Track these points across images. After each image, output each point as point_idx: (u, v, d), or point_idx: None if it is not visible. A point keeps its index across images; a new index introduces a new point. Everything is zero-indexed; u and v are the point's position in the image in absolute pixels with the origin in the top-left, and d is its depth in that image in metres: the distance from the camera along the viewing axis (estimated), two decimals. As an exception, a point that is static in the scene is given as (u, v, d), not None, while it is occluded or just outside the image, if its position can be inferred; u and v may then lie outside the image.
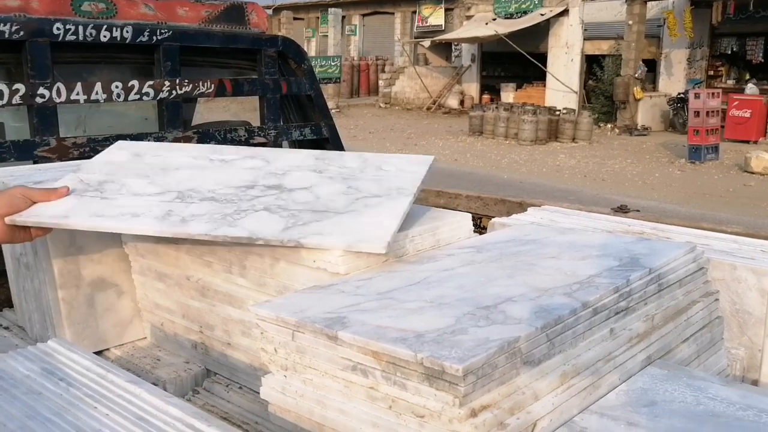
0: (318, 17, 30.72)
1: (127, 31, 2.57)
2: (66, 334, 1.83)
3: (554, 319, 1.14)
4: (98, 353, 1.81)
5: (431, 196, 3.00)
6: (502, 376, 1.05)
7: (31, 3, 2.41)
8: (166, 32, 2.66)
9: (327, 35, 28.58)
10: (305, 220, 1.50)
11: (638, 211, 2.66)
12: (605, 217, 2.43)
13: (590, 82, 21.01)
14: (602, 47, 20.70)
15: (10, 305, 2.21)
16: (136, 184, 1.70)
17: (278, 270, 1.51)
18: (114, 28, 2.55)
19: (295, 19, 29.45)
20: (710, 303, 1.66)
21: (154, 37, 2.64)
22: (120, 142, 1.96)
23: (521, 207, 2.71)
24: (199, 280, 1.72)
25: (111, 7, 2.58)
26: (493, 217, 2.86)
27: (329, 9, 29.40)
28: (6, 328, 2.06)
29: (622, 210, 2.61)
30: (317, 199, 1.61)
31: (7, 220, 1.49)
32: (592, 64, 20.89)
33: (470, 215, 1.77)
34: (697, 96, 14.33)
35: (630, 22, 18.12)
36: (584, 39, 21.00)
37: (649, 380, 1.29)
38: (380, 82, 26.29)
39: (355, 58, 28.76)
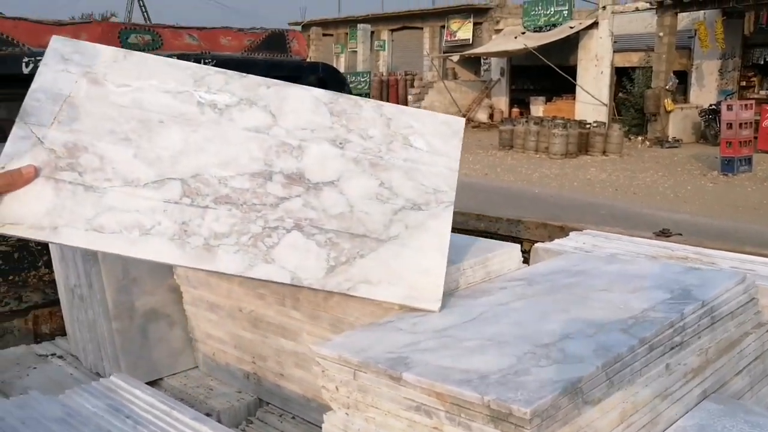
0: (347, 33, 30.96)
1: (172, 62, 2.63)
2: (120, 365, 1.87)
3: (613, 357, 1.14)
4: (151, 383, 1.85)
5: (471, 220, 3.01)
6: (565, 417, 1.05)
7: (80, 37, 2.47)
8: (210, 62, 2.72)
9: (356, 51, 28.83)
10: (347, 254, 1.40)
11: (680, 234, 2.63)
12: (647, 242, 2.41)
13: (620, 94, 20.83)
14: (632, 59, 20.54)
15: (63, 333, 2.27)
16: (120, 159, 1.37)
17: (332, 303, 1.53)
18: (161, 60, 2.60)
19: (324, 35, 29.74)
20: (762, 334, 1.64)
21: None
22: (57, 40, 1.47)
23: (563, 231, 2.70)
24: (252, 311, 1.75)
25: (157, 38, 2.65)
26: (535, 240, 2.86)
27: (358, 25, 29.67)
28: (60, 357, 2.11)
29: (664, 234, 2.59)
30: (350, 210, 1.44)
31: None
32: (622, 76, 20.72)
33: (519, 246, 1.77)
34: (729, 107, 14.13)
35: (661, 34, 17.97)
36: (614, 51, 20.86)
37: (707, 416, 1.28)
38: (409, 97, 26.35)
39: (384, 74, 28.88)
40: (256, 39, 2.90)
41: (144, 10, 39.64)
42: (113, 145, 1.38)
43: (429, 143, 1.54)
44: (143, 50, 2.62)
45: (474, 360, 1.13)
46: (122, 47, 2.58)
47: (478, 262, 1.63)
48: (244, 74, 1.51)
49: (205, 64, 2.72)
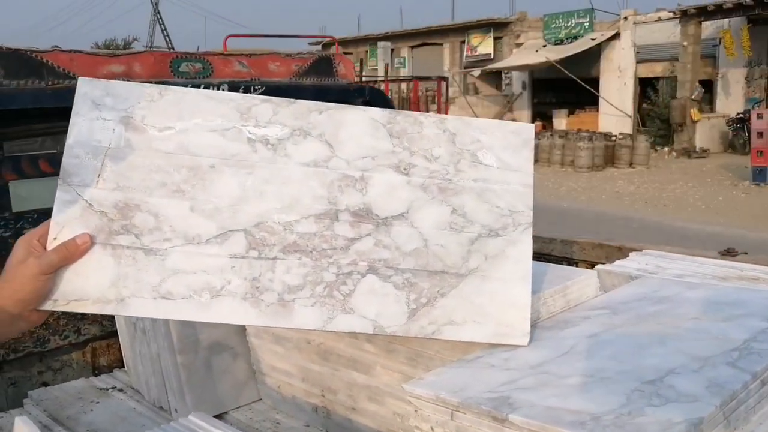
0: (367, 51, 31.12)
1: (223, 89, 2.63)
2: (185, 399, 1.84)
3: (729, 395, 1.09)
4: (216, 417, 1.81)
5: (523, 241, 2.95)
6: (684, 460, 1.00)
7: (134, 68, 2.48)
8: (260, 88, 2.71)
9: (376, 69, 28.93)
10: (427, 294, 1.32)
11: (746, 253, 2.56)
12: (713, 261, 2.34)
13: (644, 105, 20.69)
14: (656, 70, 20.41)
15: (121, 366, 2.24)
16: (177, 215, 1.27)
17: (409, 336, 1.48)
18: (211, 87, 2.60)
19: (344, 53, 29.90)
20: None
21: (249, 94, 2.69)
22: (85, 83, 1.33)
23: (620, 251, 2.64)
24: (321, 344, 1.71)
25: (207, 66, 2.64)
26: (591, 262, 2.80)
27: (378, 42, 29.82)
28: (120, 390, 2.08)
29: (729, 253, 2.51)
30: (425, 245, 1.35)
31: (40, 309, 1.18)
32: (645, 87, 20.59)
33: (595, 273, 1.72)
34: (759, 116, 13.94)
35: (685, 43, 17.87)
36: (637, 62, 20.75)
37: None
38: (431, 114, 26.36)
39: (405, 91, 28.96)
40: (304, 64, 2.89)
41: (165, 33, 40.23)
42: (167, 200, 1.28)
43: (499, 158, 1.43)
44: (194, 78, 2.62)
45: (581, 399, 1.08)
46: (173, 76, 2.58)
47: (558, 291, 1.58)
48: (292, 100, 1.39)
49: (254, 91, 2.71)
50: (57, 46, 2.39)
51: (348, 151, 1.37)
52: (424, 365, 1.50)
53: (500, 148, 1.43)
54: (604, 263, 2.44)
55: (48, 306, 1.18)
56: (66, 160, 1.26)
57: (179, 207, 1.27)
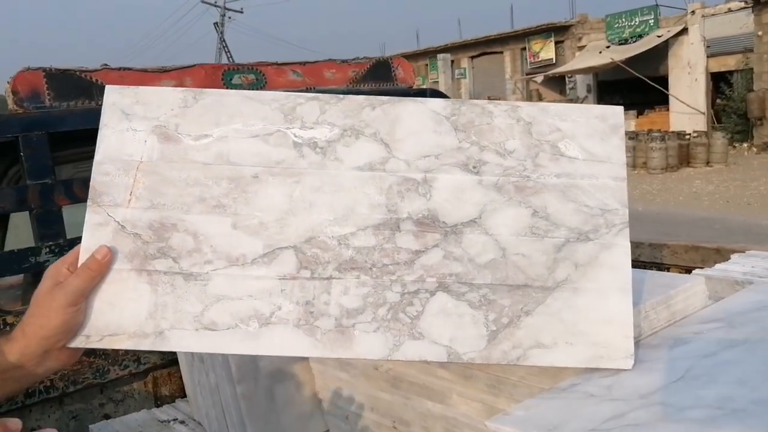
0: (427, 64, 31.06)
1: (277, 101, 2.51)
2: (247, 431, 1.70)
3: None
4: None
5: (605, 247, 2.71)
6: None
7: (185, 82, 2.39)
8: (315, 97, 2.58)
9: (437, 81, 28.83)
10: (508, 313, 1.13)
11: None
12: (829, 261, 2.07)
13: (719, 101, 19.82)
14: (729, 63, 19.54)
15: (183, 395, 2.13)
16: (218, 233, 1.12)
17: (491, 361, 1.30)
18: (265, 99, 2.49)
19: (403, 68, 29.90)
20: None
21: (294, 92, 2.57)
22: (112, 91, 1.19)
23: (719, 254, 2.38)
24: (390, 370, 1.54)
25: (260, 77, 2.53)
26: (684, 267, 2.54)
27: (438, 55, 29.73)
28: (182, 422, 1.97)
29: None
30: (503, 255, 1.15)
31: (71, 347, 1.05)
32: (718, 81, 19.73)
33: (702, 279, 1.49)
34: None
35: (759, 33, 17.05)
36: (708, 56, 19.92)
37: None
38: (493, 122, 26.04)
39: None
40: (361, 69, 2.75)
41: (231, 59, 41.24)
42: (206, 216, 1.13)
43: (584, 148, 1.22)
44: (248, 89, 2.51)
45: (712, 438, 0.88)
46: (225, 88, 2.48)
47: (660, 302, 1.36)
48: (341, 96, 1.23)
49: (310, 100, 2.59)
50: (106, 65, 2.32)
51: (407, 150, 1.19)
52: (507, 393, 1.31)
53: (584, 136, 1.22)
54: (700, 267, 2.19)
55: (80, 343, 1.05)
56: (95, 178, 1.12)
57: (220, 224, 1.12)
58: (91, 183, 1.12)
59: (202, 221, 1.12)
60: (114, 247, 1.08)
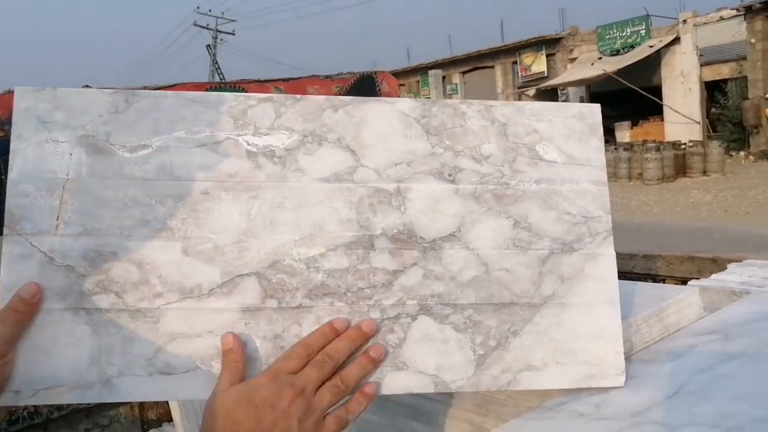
0: (418, 81, 31.16)
1: (260, 118, 2.47)
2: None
3: None
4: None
5: (600, 258, 2.66)
6: None
7: (165, 101, 2.35)
8: (299, 114, 2.54)
9: (429, 97, 28.90)
10: (495, 334, 1.04)
11: None
12: (828, 268, 2.01)
13: (714, 109, 19.86)
14: (722, 71, 19.60)
15: (170, 419, 2.08)
16: (167, 261, 0.96)
17: (477, 380, 1.24)
18: (248, 116, 2.45)
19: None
20: None
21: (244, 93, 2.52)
22: (24, 94, 0.98)
23: (715, 263, 2.34)
24: (376, 391, 1.48)
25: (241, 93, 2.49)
26: (679, 278, 2.49)
27: (429, 71, 29.84)
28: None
29: None
30: (486, 270, 1.06)
31: None
32: (713, 90, 19.78)
33: (696, 290, 1.44)
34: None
35: (752, 40, 17.11)
36: (701, 65, 19.98)
37: None
38: (488, 137, 26.08)
39: (461, 116, 28.77)
40: (345, 84, 2.71)
41: (222, 78, 41.43)
42: (151, 241, 0.95)
43: (563, 151, 1.13)
44: (229, 108, 2.47)
45: (708, 460, 0.82)
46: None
47: (652, 314, 1.30)
48: (298, 96, 1.07)
49: (293, 116, 2.54)
50: (87, 86, 2.28)
51: (377, 158, 1.07)
52: (494, 413, 1.25)
53: (562, 137, 1.14)
54: (697, 278, 2.14)
55: (8, 401, 0.89)
56: (11, 201, 0.94)
57: (169, 250, 0.97)
58: (7, 206, 0.93)
59: (147, 248, 0.96)
60: (42, 283, 0.92)
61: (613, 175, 16.86)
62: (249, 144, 1.03)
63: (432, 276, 1.05)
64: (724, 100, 18.97)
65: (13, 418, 1.95)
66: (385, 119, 1.09)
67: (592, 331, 1.08)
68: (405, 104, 1.11)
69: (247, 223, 1.01)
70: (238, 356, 0.92)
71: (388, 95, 2.81)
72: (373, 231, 1.05)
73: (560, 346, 1.06)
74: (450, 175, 1.09)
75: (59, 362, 0.91)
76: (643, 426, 0.93)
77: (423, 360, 1.01)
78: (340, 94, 2.70)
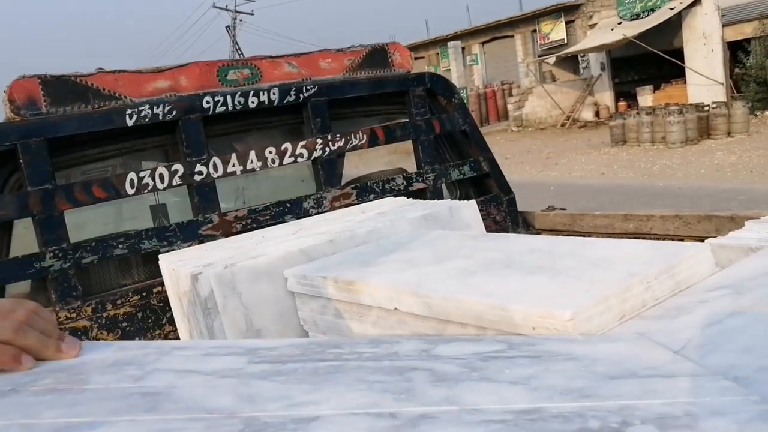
0: (438, 53, 30.89)
1: (273, 94, 2.49)
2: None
3: None
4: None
5: (617, 221, 2.66)
6: None
7: (180, 81, 2.37)
8: (312, 88, 2.55)
9: (449, 69, 28.66)
10: None
11: None
12: None
13: (737, 70, 19.46)
14: (745, 31, 19.16)
15: None
16: None
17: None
18: (261, 93, 2.46)
19: (415, 58, 29.79)
20: None
21: (301, 95, 2.53)
22: None
23: (733, 222, 2.32)
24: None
25: (255, 71, 2.51)
26: (698, 237, 2.48)
27: (448, 43, 29.53)
28: None
29: None
30: None
31: None
32: (736, 50, 19.37)
33: (708, 246, 1.44)
34: None
35: (775, -1, 16.65)
36: (723, 26, 19.53)
37: None
38: (509, 107, 25.85)
39: (480, 87, 28.52)
40: (357, 57, 2.71)
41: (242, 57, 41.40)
42: None
43: None
44: (243, 85, 2.49)
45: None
46: (221, 85, 2.46)
47: (663, 271, 1.32)
48: None
49: (306, 90, 2.55)
50: (101, 68, 2.31)
51: None
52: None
53: None
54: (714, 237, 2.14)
55: None
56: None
57: None
58: None
59: None
60: None
61: (635, 140, 16.65)
62: None
63: None
64: (747, 59, 18.58)
65: None
66: None
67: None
68: None
69: None
70: None
71: (401, 66, 2.81)
72: None
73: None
74: None
75: None
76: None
77: None
78: (352, 67, 2.71)
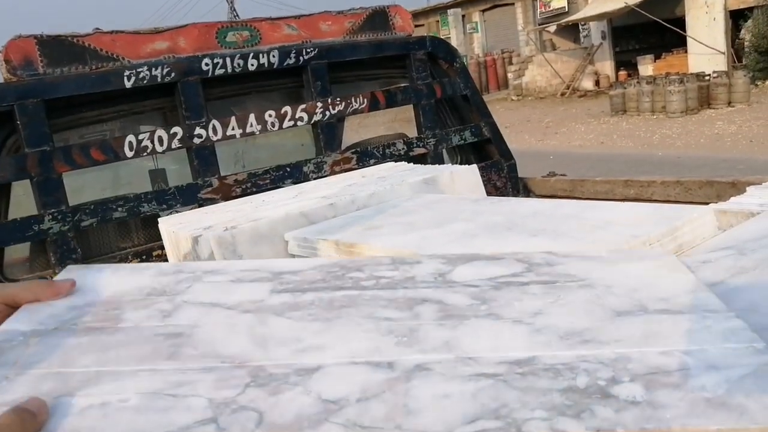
0: (438, 21, 30.57)
1: (273, 56, 2.46)
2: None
3: None
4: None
5: (618, 187, 2.65)
6: None
7: (179, 42, 2.34)
8: (312, 51, 2.52)
9: (449, 37, 28.38)
10: None
11: None
12: None
13: (738, 39, 19.29)
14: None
15: None
16: None
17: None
18: (261, 55, 2.44)
19: (415, 26, 29.48)
20: None
21: (301, 58, 2.51)
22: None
23: (735, 188, 2.32)
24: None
25: (255, 33, 2.47)
26: (699, 203, 2.48)
27: (448, 11, 29.22)
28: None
29: None
30: None
31: None
32: (738, 19, 19.18)
33: (710, 209, 1.44)
34: None
35: (779, -34, 16.46)
36: (726, -6, 19.33)
37: None
38: (509, 75, 25.66)
39: (480, 55, 28.29)
40: (357, 20, 2.68)
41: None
42: None
43: None
44: (242, 47, 2.46)
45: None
46: (220, 47, 2.43)
47: (666, 233, 1.31)
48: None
49: (306, 53, 2.52)
50: (98, 29, 2.28)
51: None
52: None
53: None
54: (716, 203, 2.13)
55: None
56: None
57: None
58: None
59: None
60: None
61: (635, 109, 16.58)
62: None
63: None
64: (750, 28, 18.41)
65: None
66: None
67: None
68: None
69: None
70: None
71: (402, 29, 2.78)
72: None
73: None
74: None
75: None
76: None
77: None
78: (352, 30, 2.67)
